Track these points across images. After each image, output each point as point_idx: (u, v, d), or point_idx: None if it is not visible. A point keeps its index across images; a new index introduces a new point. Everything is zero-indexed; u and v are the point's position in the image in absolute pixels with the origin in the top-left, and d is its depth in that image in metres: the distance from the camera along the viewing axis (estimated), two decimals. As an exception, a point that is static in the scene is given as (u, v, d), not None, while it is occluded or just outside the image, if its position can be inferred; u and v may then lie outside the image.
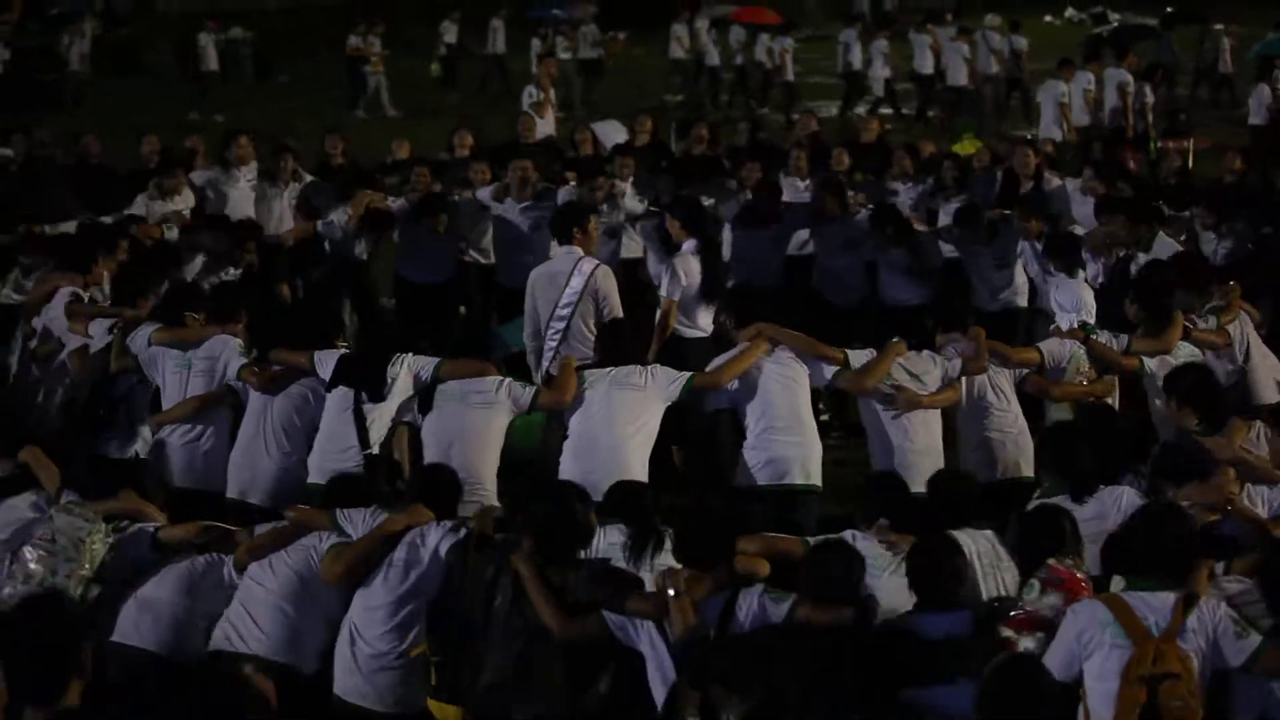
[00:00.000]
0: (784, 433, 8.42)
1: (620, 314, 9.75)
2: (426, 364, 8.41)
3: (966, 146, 19.81)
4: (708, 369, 8.64)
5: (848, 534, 6.84)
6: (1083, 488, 7.17)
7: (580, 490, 6.76)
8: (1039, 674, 5.42)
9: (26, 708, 4.60)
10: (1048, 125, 21.37)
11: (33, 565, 6.79)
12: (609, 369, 8.45)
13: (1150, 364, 9.07)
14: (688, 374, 8.51)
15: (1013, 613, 6.10)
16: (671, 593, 6.08)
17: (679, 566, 6.38)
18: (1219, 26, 30.19)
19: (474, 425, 8.17)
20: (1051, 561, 6.19)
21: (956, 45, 27.21)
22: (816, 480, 8.48)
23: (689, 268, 10.27)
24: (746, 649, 5.86)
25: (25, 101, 28.20)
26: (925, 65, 27.82)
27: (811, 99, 30.89)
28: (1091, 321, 9.41)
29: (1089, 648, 5.62)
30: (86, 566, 6.85)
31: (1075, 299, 9.58)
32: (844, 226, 12.20)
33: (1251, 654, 5.61)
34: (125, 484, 7.55)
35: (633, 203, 12.72)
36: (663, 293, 10.29)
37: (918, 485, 7.97)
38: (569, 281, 9.83)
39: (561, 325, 9.78)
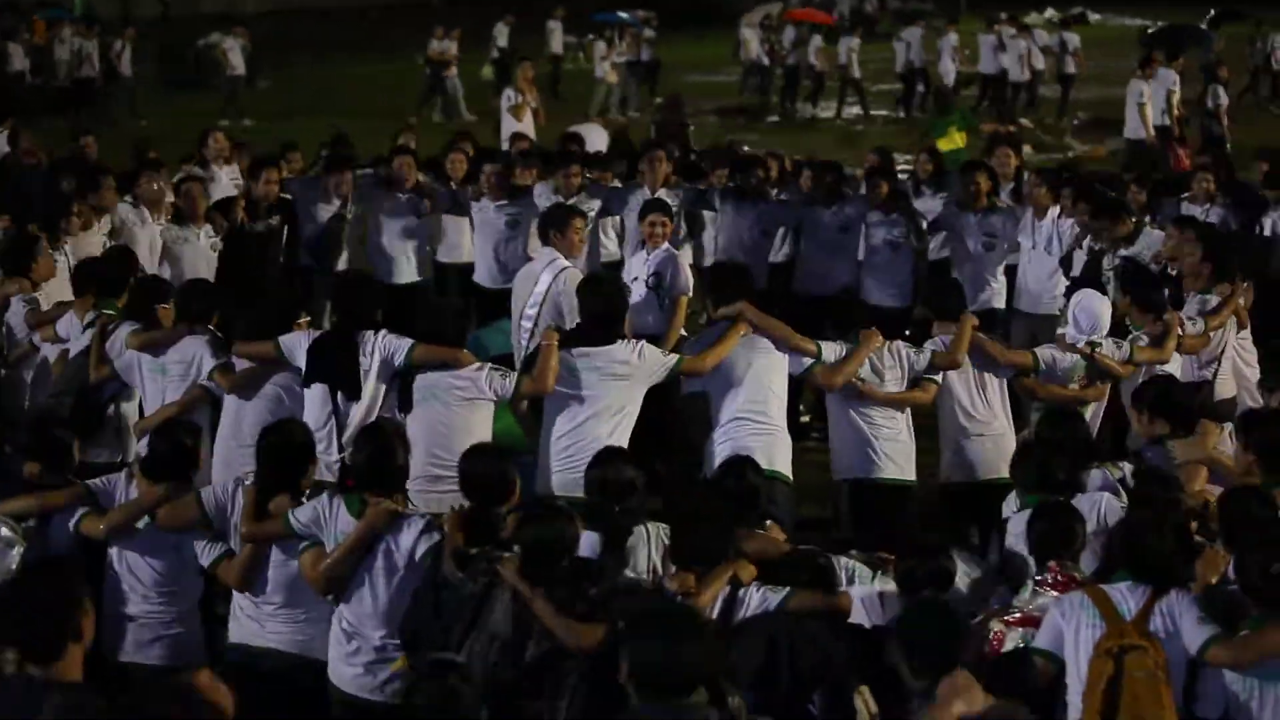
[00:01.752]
0: (748, 424, 8.38)
1: None
2: (399, 347, 8.20)
3: (955, 139, 19.88)
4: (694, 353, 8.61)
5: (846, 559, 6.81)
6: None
7: (567, 512, 6.56)
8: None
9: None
10: (1134, 127, 21.31)
11: None
12: (596, 349, 8.23)
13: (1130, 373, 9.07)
14: (675, 357, 8.46)
15: (1006, 616, 6.17)
16: (680, 597, 6.08)
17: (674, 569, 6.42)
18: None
19: (458, 421, 8.07)
20: (1053, 564, 6.29)
21: (1015, 43, 27.68)
22: (782, 469, 8.37)
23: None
24: (747, 639, 5.94)
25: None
26: (989, 64, 28.28)
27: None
28: (1103, 342, 9.17)
29: (1072, 628, 5.79)
30: None
31: (1093, 321, 9.24)
32: (835, 215, 12.30)
33: (1204, 642, 5.70)
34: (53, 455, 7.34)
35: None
36: (680, 290, 10.32)
37: (888, 471, 8.31)
38: (537, 282, 9.80)
39: (530, 325, 9.72)
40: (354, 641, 6.61)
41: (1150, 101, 21.31)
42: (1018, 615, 6.17)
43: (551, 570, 6.20)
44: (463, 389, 8.15)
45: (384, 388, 8.24)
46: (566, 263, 9.94)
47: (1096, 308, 9.31)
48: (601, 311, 8.38)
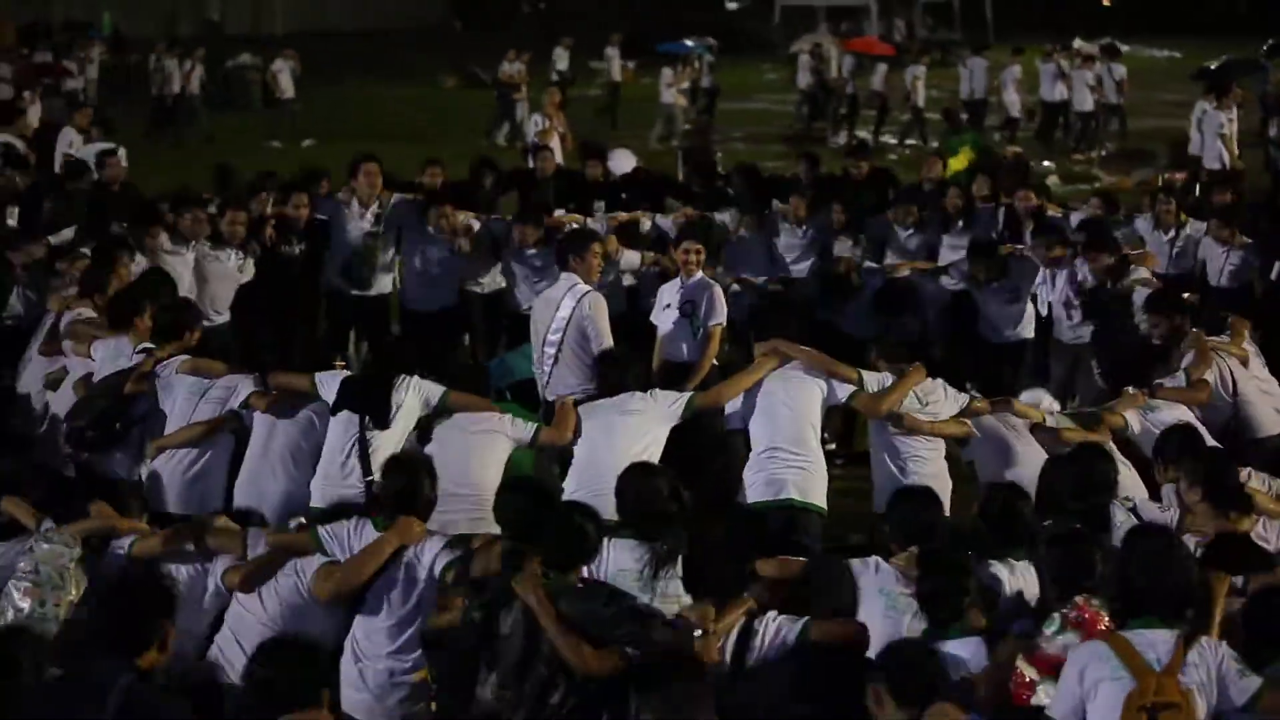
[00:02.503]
0: (785, 454, 8.37)
1: (609, 342, 9.64)
2: (434, 391, 8.37)
3: (962, 159, 19.94)
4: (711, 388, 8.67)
5: (871, 560, 6.77)
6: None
7: (586, 507, 6.63)
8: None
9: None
10: (1213, 156, 21.18)
11: (20, 600, 6.70)
12: (609, 399, 8.46)
13: (1133, 421, 8.94)
14: (688, 394, 8.55)
15: (1031, 650, 6.05)
16: (699, 632, 6.04)
17: (690, 600, 6.38)
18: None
19: (476, 447, 8.14)
20: (1080, 600, 6.12)
21: (1081, 73, 28.05)
22: (816, 500, 8.37)
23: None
24: (759, 679, 5.89)
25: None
26: (1051, 93, 28.65)
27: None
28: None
29: (1091, 686, 5.54)
30: (74, 592, 6.76)
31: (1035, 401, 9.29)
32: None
33: (1253, 695, 5.54)
34: (109, 502, 7.50)
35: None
36: (715, 320, 10.23)
37: None
38: (559, 308, 9.79)
39: (553, 350, 9.73)
40: (361, 663, 6.63)
41: (1230, 130, 21.23)
42: (1043, 652, 6.02)
43: (569, 565, 6.23)
44: (483, 424, 8.28)
45: (412, 425, 8.34)
46: (587, 287, 9.91)
47: (1034, 397, 9.36)
48: (616, 378, 8.62)
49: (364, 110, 33.00)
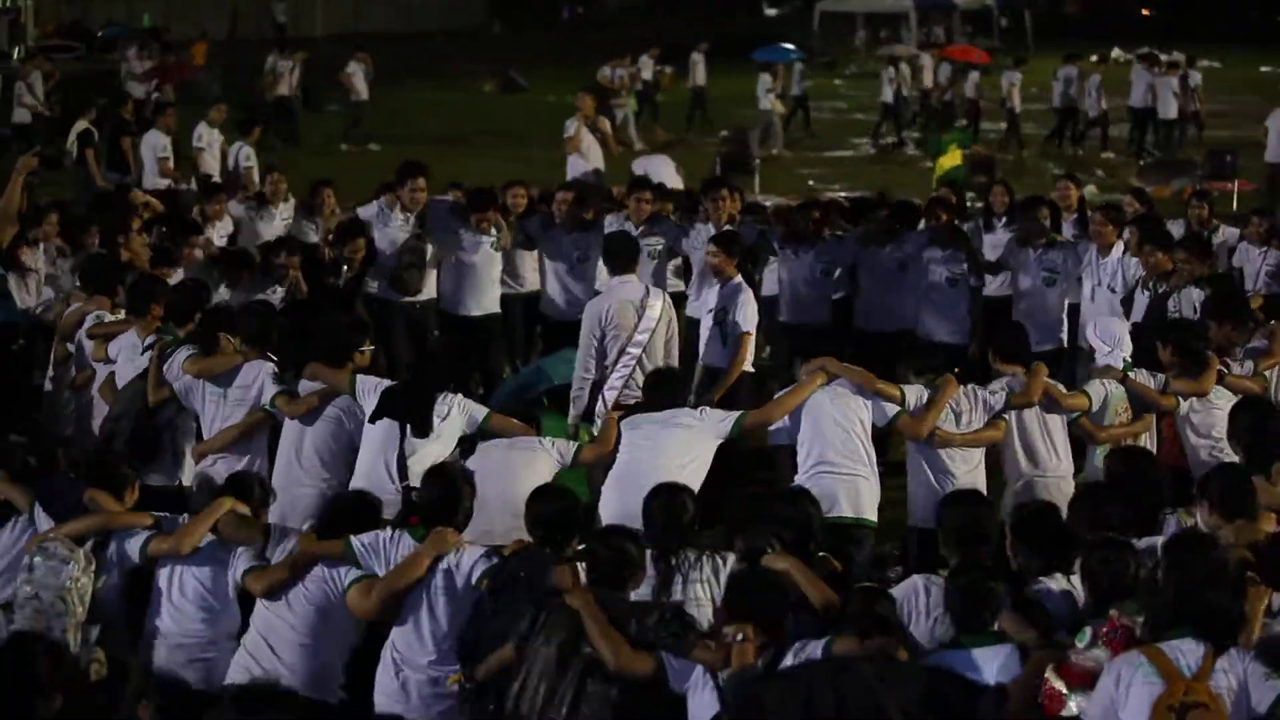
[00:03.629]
0: (836, 467, 8.38)
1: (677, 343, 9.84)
2: (478, 411, 8.45)
3: (951, 158, 20.01)
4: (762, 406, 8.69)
5: (919, 581, 6.71)
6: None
7: (631, 532, 6.69)
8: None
9: None
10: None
11: (26, 625, 6.66)
12: (657, 413, 8.41)
13: (1184, 405, 9.04)
14: (738, 412, 8.52)
15: (1060, 663, 6.04)
16: (739, 636, 6.08)
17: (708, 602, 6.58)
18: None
19: (516, 462, 8.11)
20: (1114, 614, 6.09)
21: (1167, 80, 28.15)
22: (868, 514, 8.40)
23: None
24: (790, 681, 5.89)
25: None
26: (1138, 99, 28.73)
27: (856, 135, 31.16)
28: (1128, 358, 9.25)
29: (1124, 690, 5.61)
30: (79, 611, 6.75)
31: (1113, 336, 9.40)
32: (891, 253, 12.29)
33: (1276, 699, 5.56)
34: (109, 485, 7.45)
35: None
36: (744, 327, 10.19)
37: None
38: (644, 310, 9.81)
39: (637, 352, 9.75)
40: (402, 674, 6.65)
41: None
42: (1072, 665, 5.99)
43: (616, 588, 6.31)
44: (527, 443, 8.32)
45: (454, 442, 8.35)
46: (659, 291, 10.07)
47: (1113, 327, 9.48)
48: (666, 396, 8.60)
49: (401, 114, 33.01)
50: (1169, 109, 28.20)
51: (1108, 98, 29.64)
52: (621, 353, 9.77)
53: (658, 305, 9.85)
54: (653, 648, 6.11)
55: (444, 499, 7.00)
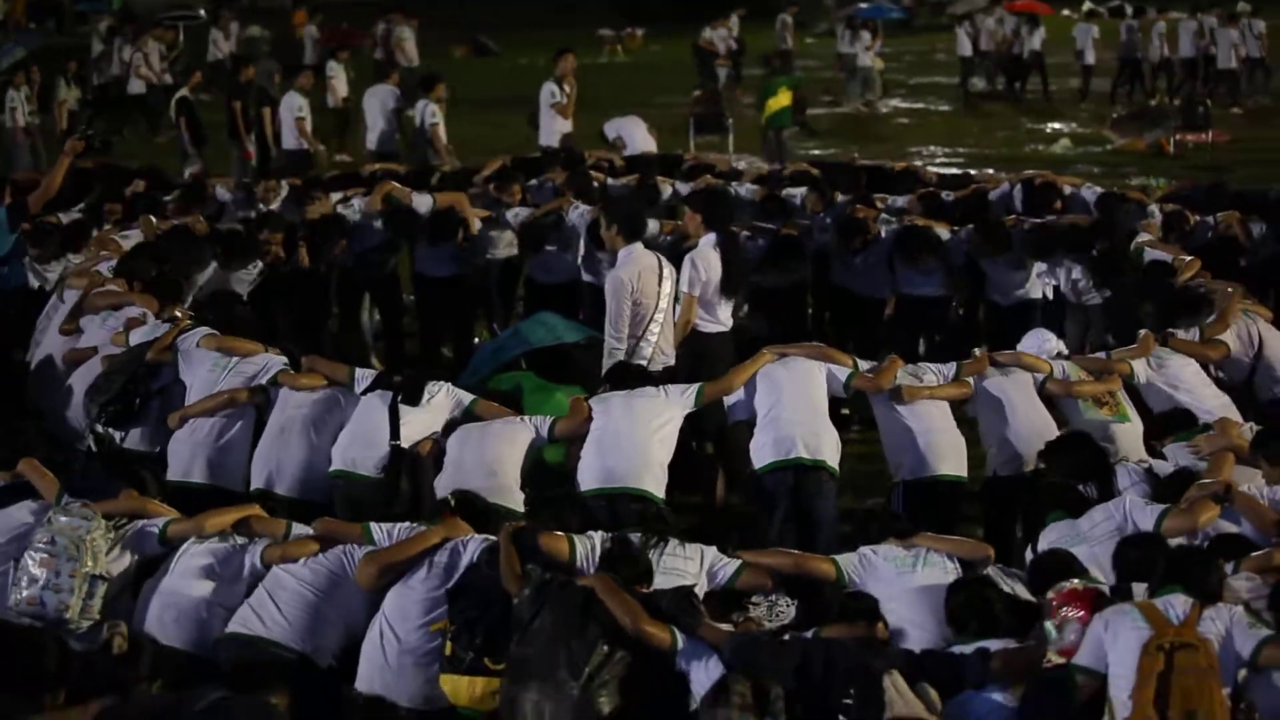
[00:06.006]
0: (790, 413, 8.45)
1: None
2: (465, 396, 8.61)
3: (782, 99, 20.08)
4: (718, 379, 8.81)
5: (864, 551, 7.08)
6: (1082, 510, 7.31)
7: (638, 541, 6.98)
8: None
9: None
10: None
11: (35, 569, 6.75)
12: (623, 391, 8.58)
13: (1139, 370, 9.11)
14: (697, 385, 8.63)
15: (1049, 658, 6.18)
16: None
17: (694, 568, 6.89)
18: None
19: (494, 431, 8.29)
20: (1075, 583, 6.29)
21: (1225, 31, 28.21)
22: (827, 458, 8.33)
23: (709, 262, 10.23)
24: (785, 644, 6.10)
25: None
26: (1188, 49, 29.01)
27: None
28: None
29: (1113, 635, 5.82)
30: (89, 564, 6.80)
31: (1041, 349, 9.51)
32: (861, 260, 12.23)
33: (1257, 645, 5.79)
34: (129, 483, 7.53)
35: None
36: (683, 288, 10.19)
37: (944, 467, 8.32)
38: (665, 272, 9.90)
39: (662, 318, 9.83)
40: (387, 640, 6.68)
41: None
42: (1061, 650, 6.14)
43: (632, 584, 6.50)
44: (504, 418, 8.49)
45: (442, 419, 8.48)
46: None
47: (1039, 339, 9.71)
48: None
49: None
50: (1228, 59, 28.19)
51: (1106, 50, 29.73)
52: (649, 320, 9.80)
53: (670, 270, 9.96)
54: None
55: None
